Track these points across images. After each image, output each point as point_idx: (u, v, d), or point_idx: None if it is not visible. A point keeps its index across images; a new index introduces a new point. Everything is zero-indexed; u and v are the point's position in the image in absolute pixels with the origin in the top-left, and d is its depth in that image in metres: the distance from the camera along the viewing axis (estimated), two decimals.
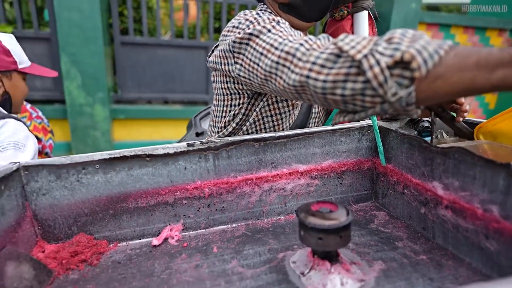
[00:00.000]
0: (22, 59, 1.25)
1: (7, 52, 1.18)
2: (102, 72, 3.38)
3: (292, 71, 0.58)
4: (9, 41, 1.21)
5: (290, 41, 0.62)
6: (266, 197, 0.78)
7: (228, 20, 4.18)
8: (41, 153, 1.85)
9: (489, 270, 0.53)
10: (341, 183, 0.83)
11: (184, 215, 0.74)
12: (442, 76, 0.44)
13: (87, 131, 3.52)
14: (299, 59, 0.57)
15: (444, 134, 0.79)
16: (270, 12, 0.83)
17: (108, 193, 0.69)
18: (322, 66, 0.53)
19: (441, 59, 0.44)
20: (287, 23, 0.72)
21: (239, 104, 0.85)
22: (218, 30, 4.20)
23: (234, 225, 0.77)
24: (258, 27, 0.69)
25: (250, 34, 0.70)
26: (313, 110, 0.94)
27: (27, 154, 1.05)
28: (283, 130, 0.90)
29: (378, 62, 0.46)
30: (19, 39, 3.05)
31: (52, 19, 3.28)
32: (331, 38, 0.59)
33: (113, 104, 3.73)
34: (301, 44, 0.59)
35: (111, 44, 3.70)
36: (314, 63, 0.54)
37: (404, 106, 0.46)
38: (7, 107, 1.21)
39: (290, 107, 0.86)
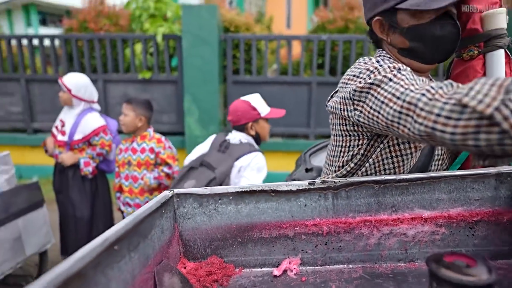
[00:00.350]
0: (263, 110, 1.81)
1: (254, 108, 1.79)
2: (215, 108, 3.82)
3: (416, 121, 0.59)
4: (253, 100, 1.81)
5: (412, 91, 0.62)
6: (385, 241, 0.76)
7: (332, 57, 4.28)
8: (170, 177, 2.17)
9: None
10: (473, 234, 0.75)
11: (302, 250, 0.78)
12: None
13: None
14: (422, 109, 0.57)
15: None
16: (389, 58, 0.84)
17: (237, 222, 0.79)
18: (448, 118, 0.52)
19: None
20: (408, 69, 0.73)
21: (358, 145, 0.87)
22: (321, 66, 4.33)
23: (350, 266, 0.77)
24: (379, 77, 0.72)
25: (371, 84, 0.73)
26: (436, 152, 0.90)
27: (261, 177, 1.71)
28: (403, 172, 0.87)
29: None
30: (154, 82, 3.71)
31: (180, 65, 3.91)
32: (454, 85, 0.57)
33: None
34: (423, 94, 0.59)
35: (223, 83, 4.17)
36: (438, 115, 0.54)
37: None
38: (258, 143, 1.87)
39: (413, 149, 0.84)
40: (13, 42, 4.25)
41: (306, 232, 0.78)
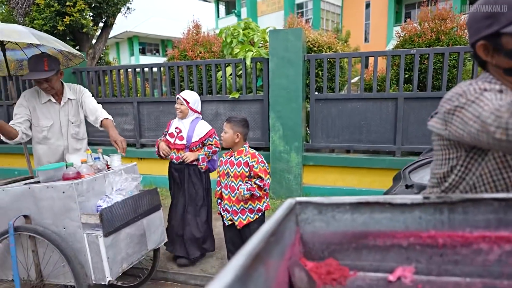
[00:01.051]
0: None
1: None
2: (298, 125, 3.97)
3: (492, 137, 0.72)
4: None
5: (485, 110, 0.74)
6: (506, 258, 0.78)
7: (420, 70, 4.10)
8: (261, 189, 2.36)
9: None
10: None
11: (416, 260, 0.84)
12: None
13: (283, 174, 4.12)
14: (490, 125, 0.72)
15: None
16: (491, 80, 0.91)
17: (353, 229, 0.88)
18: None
19: None
20: (493, 91, 0.80)
21: (456, 157, 0.94)
22: (408, 81, 4.17)
23: (468, 279, 0.80)
24: (463, 100, 0.84)
25: (456, 106, 0.85)
26: None
27: None
28: None
29: None
30: (242, 101, 4.04)
31: (266, 84, 4.19)
32: None
33: (305, 152, 4.25)
34: (492, 113, 0.72)
35: (306, 101, 4.32)
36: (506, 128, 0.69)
37: None
38: None
39: None
40: (125, 70, 5.08)
41: (421, 243, 0.83)
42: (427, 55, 3.93)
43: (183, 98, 2.73)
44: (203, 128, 2.78)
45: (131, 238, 2.02)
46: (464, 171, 0.93)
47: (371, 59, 4.80)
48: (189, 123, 2.76)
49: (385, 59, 3.94)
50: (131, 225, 2.02)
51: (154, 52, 31.28)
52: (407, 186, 1.34)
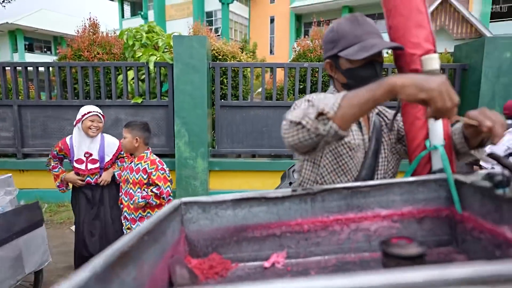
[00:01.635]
0: None
1: None
2: (204, 131, 4.02)
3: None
4: None
5: (287, 116, 0.93)
6: (353, 236, 0.95)
7: (312, 82, 4.59)
8: (158, 197, 2.31)
9: None
10: (421, 228, 0.95)
11: (287, 246, 0.96)
12: (344, 112, 0.80)
13: (189, 180, 4.10)
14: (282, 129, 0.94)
15: None
16: (332, 93, 1.16)
17: (234, 224, 0.96)
18: (286, 129, 0.90)
19: (340, 104, 0.80)
20: (313, 98, 1.04)
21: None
22: (303, 91, 4.63)
23: (326, 257, 0.95)
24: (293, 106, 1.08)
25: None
26: (381, 155, 1.11)
27: None
28: (353, 169, 1.08)
29: (309, 118, 0.82)
30: (146, 107, 3.93)
31: (171, 90, 4.12)
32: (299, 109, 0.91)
33: (211, 157, 4.31)
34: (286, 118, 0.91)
35: (211, 107, 4.39)
36: (284, 128, 0.90)
37: (333, 132, 0.82)
38: None
39: (347, 149, 1.06)
40: (1, 68, 4.37)
41: (290, 231, 0.96)
42: (317, 69, 4.44)
43: (101, 114, 2.61)
44: (112, 144, 2.74)
45: (1, 262, 1.74)
46: (311, 164, 1.11)
47: (279, 71, 5.24)
48: (98, 143, 2.64)
49: (283, 70, 4.31)
50: (2, 247, 1.75)
51: (45, 49, 27.45)
52: (290, 183, 1.50)
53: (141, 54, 4.25)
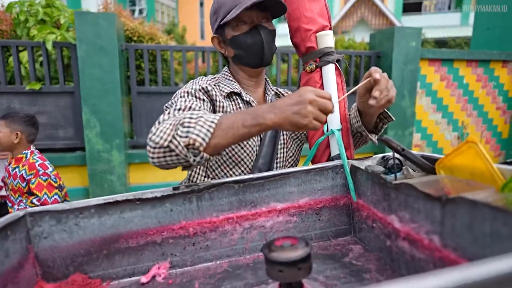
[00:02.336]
0: None
1: None
2: (119, 120, 3.62)
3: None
4: None
5: (163, 117, 0.82)
6: (247, 235, 0.84)
7: None
8: None
9: None
10: (319, 219, 0.88)
11: (171, 254, 0.81)
12: (217, 137, 0.72)
13: (104, 176, 3.69)
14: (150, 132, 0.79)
15: (410, 170, 0.84)
16: (225, 77, 1.05)
17: (102, 234, 0.77)
18: (148, 151, 0.76)
19: (213, 134, 0.71)
20: (191, 92, 0.92)
21: None
22: None
23: (217, 262, 0.83)
24: (175, 94, 0.96)
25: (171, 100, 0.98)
26: (280, 142, 1.02)
27: None
28: (243, 161, 0.97)
29: (179, 143, 0.72)
30: (46, 94, 3.37)
31: (76, 75, 3.61)
32: (166, 118, 0.80)
33: (129, 149, 3.93)
34: (158, 121, 0.80)
35: (128, 94, 3.99)
36: (148, 144, 0.76)
37: (206, 160, 0.74)
38: None
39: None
40: None
41: (174, 236, 0.81)
42: None
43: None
44: None
45: None
46: None
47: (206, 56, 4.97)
48: None
49: (211, 54, 4.09)
50: None
51: None
52: None
53: (36, 32, 3.63)
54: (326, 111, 0.68)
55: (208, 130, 0.71)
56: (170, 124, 0.74)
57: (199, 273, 0.79)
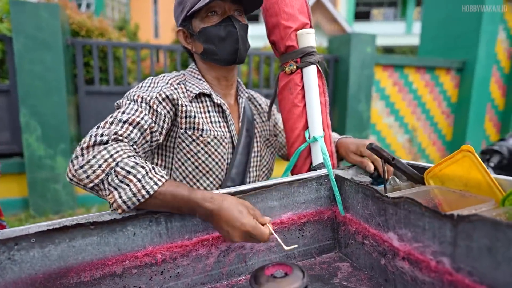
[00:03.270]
0: None
1: None
2: (64, 123, 3.29)
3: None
4: None
5: (102, 124, 0.73)
6: (224, 258, 0.74)
7: None
8: None
9: None
10: (302, 235, 0.80)
11: (134, 286, 0.68)
12: (145, 206, 0.66)
13: (47, 184, 3.32)
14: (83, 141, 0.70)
15: (397, 180, 0.80)
16: (192, 75, 0.93)
17: (45, 269, 0.62)
18: (72, 177, 0.67)
19: (142, 203, 0.64)
20: (144, 105, 0.78)
21: (152, 154, 0.92)
22: None
23: None
24: (127, 94, 0.83)
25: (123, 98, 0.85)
26: (254, 150, 0.93)
27: None
28: (212, 171, 0.86)
29: (104, 190, 0.65)
30: None
31: (12, 71, 3.21)
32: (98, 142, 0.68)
33: None
34: (81, 144, 0.68)
35: (75, 94, 3.64)
36: (72, 168, 0.66)
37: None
38: None
39: (203, 145, 0.84)
40: None
41: (138, 265, 0.68)
42: None
43: None
44: None
45: None
46: (163, 170, 0.83)
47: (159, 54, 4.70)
48: None
49: (168, 53, 3.87)
50: None
51: None
52: None
53: None
54: (259, 242, 0.64)
55: (138, 200, 0.63)
56: (105, 161, 0.64)
57: None
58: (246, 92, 1.00)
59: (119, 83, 4.04)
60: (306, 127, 0.88)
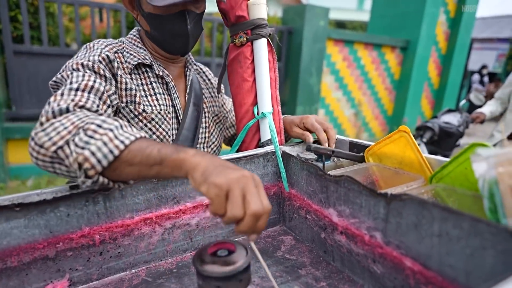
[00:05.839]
0: None
1: None
2: None
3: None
4: None
5: (56, 97, 0.62)
6: (169, 235, 0.72)
7: None
8: None
9: None
10: None
11: (70, 269, 0.64)
12: (118, 168, 0.54)
13: None
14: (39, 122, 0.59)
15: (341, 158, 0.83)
16: (133, 43, 0.84)
17: None
18: (32, 148, 0.56)
19: (116, 157, 0.52)
20: (88, 71, 0.71)
21: None
22: None
23: (133, 270, 0.70)
24: (67, 63, 0.73)
25: (63, 68, 0.74)
26: (202, 125, 0.90)
27: None
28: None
29: (70, 154, 0.53)
30: None
31: None
32: (71, 110, 0.59)
33: (6, 122, 3.22)
34: (51, 110, 0.59)
35: (1, 54, 3.20)
36: (32, 139, 0.56)
37: (103, 184, 0.56)
38: None
39: (146, 121, 0.79)
40: None
41: (73, 247, 0.64)
42: None
43: None
44: None
45: None
46: None
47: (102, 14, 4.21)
48: None
49: (111, 12, 3.51)
50: None
51: None
52: None
53: None
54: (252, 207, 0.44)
55: (111, 151, 0.52)
56: (72, 123, 0.55)
57: (110, 286, 0.65)
58: (195, 65, 0.95)
59: (54, 44, 3.62)
60: (255, 102, 0.87)
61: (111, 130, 0.54)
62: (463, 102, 2.95)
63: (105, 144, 0.52)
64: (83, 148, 0.52)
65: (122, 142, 0.53)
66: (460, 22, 5.19)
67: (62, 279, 0.64)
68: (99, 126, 0.54)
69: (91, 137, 0.53)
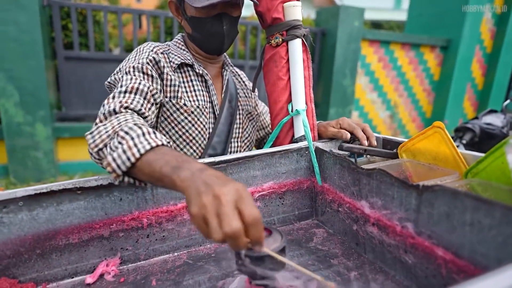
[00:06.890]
0: None
1: None
2: (43, 89, 3.17)
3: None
4: None
5: (110, 100, 0.75)
6: None
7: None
8: None
9: (409, 281, 0.57)
10: (282, 203, 0.85)
11: (121, 248, 0.71)
12: (136, 173, 0.59)
13: (27, 152, 3.26)
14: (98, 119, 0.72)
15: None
16: (177, 45, 0.94)
17: (34, 231, 0.65)
18: (89, 143, 0.67)
19: (133, 164, 0.58)
20: (137, 73, 0.82)
21: None
22: None
23: (175, 253, 0.76)
24: (121, 66, 0.86)
25: (117, 71, 0.88)
26: (236, 121, 0.97)
27: None
28: (195, 140, 0.89)
29: (105, 157, 0.62)
30: None
31: None
32: (114, 113, 0.71)
33: (57, 122, 3.50)
34: (108, 111, 0.71)
35: (54, 59, 3.49)
36: (87, 138, 0.68)
37: (129, 183, 0.62)
38: None
39: (186, 114, 0.87)
40: None
41: (124, 229, 0.71)
42: None
43: None
44: None
45: None
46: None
47: (142, 20, 4.47)
48: None
49: (151, 19, 3.71)
50: None
51: None
52: None
53: None
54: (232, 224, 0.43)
55: (128, 159, 0.58)
56: (112, 128, 0.65)
57: (155, 267, 0.71)
58: (231, 66, 1.02)
59: (100, 49, 3.89)
60: (289, 100, 0.91)
61: (132, 138, 0.60)
62: (507, 102, 2.78)
63: (124, 151, 0.58)
64: (112, 152, 0.61)
65: (138, 151, 0.58)
66: (508, 19, 4.87)
67: (114, 257, 0.71)
68: (127, 133, 0.61)
69: (120, 143, 0.60)
